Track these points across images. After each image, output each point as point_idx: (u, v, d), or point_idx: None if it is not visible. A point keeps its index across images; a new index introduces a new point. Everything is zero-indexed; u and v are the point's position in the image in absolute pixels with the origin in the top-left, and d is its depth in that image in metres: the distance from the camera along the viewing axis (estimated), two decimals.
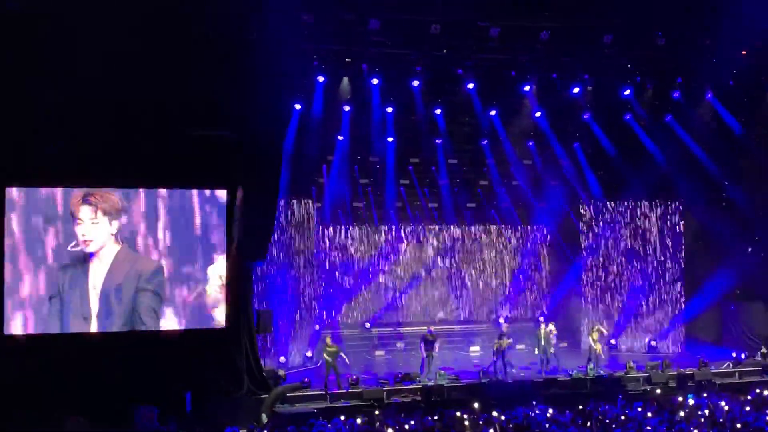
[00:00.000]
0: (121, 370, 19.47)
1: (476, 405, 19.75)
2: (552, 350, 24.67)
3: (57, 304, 19.83)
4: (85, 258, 20.14)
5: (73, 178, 19.91)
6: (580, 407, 19.57)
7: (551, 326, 24.84)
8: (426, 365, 23.42)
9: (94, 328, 20.05)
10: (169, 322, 20.63)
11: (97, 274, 20.24)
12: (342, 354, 22.60)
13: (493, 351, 24.07)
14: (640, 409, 19.14)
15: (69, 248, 19.93)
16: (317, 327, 26.89)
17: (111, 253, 20.35)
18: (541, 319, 28.19)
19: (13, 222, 19.54)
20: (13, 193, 19.57)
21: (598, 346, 24.98)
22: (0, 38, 18.58)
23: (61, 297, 19.87)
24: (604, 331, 26.06)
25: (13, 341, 19.35)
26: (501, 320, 29.29)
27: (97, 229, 20.24)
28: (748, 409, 18.72)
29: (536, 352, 24.83)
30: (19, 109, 18.88)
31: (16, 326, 19.46)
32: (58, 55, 18.80)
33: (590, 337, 25.36)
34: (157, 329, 20.48)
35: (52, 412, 18.07)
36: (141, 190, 20.48)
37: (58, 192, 19.93)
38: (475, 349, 28.16)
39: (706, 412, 18.55)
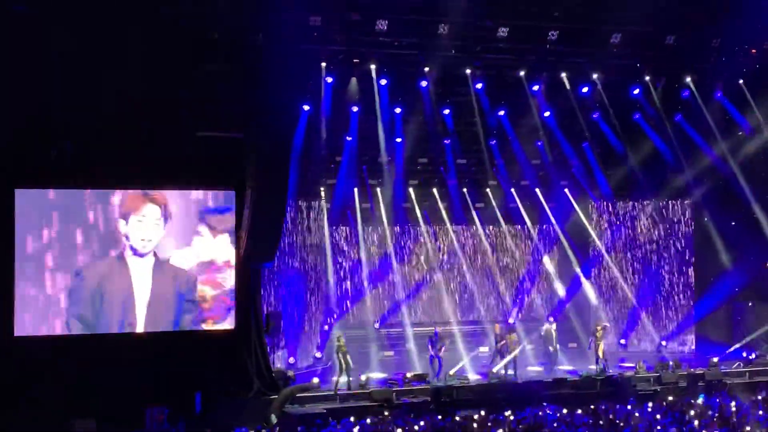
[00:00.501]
0: (131, 372, 19.52)
1: (485, 406, 19.76)
2: (552, 348, 24.75)
3: (89, 308, 19.92)
4: (124, 263, 20.20)
5: (81, 179, 19.96)
6: (590, 407, 19.55)
7: (552, 326, 24.90)
8: (434, 366, 23.49)
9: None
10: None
11: (141, 282, 20.38)
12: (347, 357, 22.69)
13: (497, 348, 24.11)
14: (650, 409, 19.12)
15: (74, 260, 19.94)
16: (326, 327, 26.87)
17: (149, 261, 20.48)
18: (551, 319, 28.18)
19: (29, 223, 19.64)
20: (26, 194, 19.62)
21: (600, 346, 24.96)
22: (8, 40, 18.64)
23: (94, 304, 19.96)
24: (607, 325, 26.07)
25: (23, 343, 19.40)
26: (510, 320, 29.25)
27: (157, 230, 20.43)
28: (759, 410, 18.65)
29: (551, 350, 25.33)
30: (28, 110, 18.93)
31: (26, 328, 19.50)
32: (65, 56, 18.88)
33: (595, 336, 25.39)
34: (168, 330, 20.54)
35: (61, 414, 18.08)
36: (149, 191, 20.53)
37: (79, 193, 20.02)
38: (484, 350, 28.08)
39: (717, 412, 18.52)
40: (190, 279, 20.88)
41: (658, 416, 18.05)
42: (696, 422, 17.14)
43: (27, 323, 19.58)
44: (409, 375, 22.81)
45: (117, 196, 20.23)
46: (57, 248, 19.83)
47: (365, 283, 28.43)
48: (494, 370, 23.88)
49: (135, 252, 20.32)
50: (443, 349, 23.83)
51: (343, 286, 28.22)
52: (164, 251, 20.65)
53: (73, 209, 20.00)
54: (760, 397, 20.22)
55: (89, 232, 20.06)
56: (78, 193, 20.06)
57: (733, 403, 19.66)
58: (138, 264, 20.38)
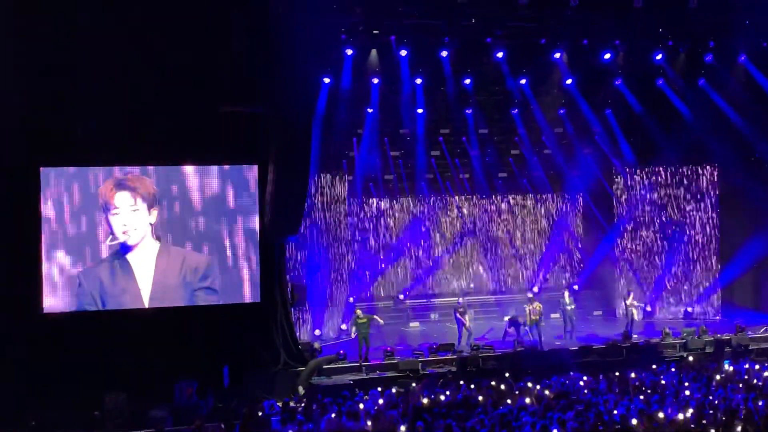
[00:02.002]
0: (160, 346, 19.73)
1: (512, 375, 19.82)
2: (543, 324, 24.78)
3: (97, 301, 20.07)
4: (124, 254, 20.22)
5: (106, 157, 20.08)
6: (617, 374, 19.57)
7: (536, 303, 24.86)
8: (461, 336, 23.64)
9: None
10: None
11: (144, 273, 20.39)
12: (376, 317, 22.82)
13: (525, 321, 24.19)
14: (676, 375, 19.10)
15: (108, 242, 20.11)
16: (351, 299, 26.99)
17: (152, 250, 20.48)
18: (576, 287, 28.17)
19: (53, 202, 19.82)
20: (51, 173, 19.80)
21: (634, 310, 25.15)
22: (32, 18, 18.72)
23: (102, 296, 20.08)
24: (631, 292, 26.13)
25: (52, 318, 19.64)
26: (535, 289, 29.26)
27: (137, 217, 20.38)
28: None
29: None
30: (50, 88, 19.05)
31: (54, 304, 19.74)
32: (88, 33, 18.97)
33: (625, 302, 25.50)
34: (193, 304, 20.72)
35: (92, 389, 18.31)
36: (173, 167, 20.64)
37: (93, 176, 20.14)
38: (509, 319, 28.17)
39: (745, 376, 18.48)
40: (201, 263, 20.90)
41: (686, 383, 18.04)
42: (722, 387, 17.12)
43: (55, 300, 19.77)
44: (435, 345, 22.88)
45: (106, 185, 20.19)
46: (79, 228, 19.98)
47: (389, 256, 28.49)
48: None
49: (123, 244, 20.27)
50: (466, 319, 23.96)
51: (367, 259, 28.27)
52: (169, 236, 20.69)
53: (94, 189, 20.15)
54: None
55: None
56: (99, 172, 20.18)
57: (758, 367, 19.63)
58: (135, 256, 20.40)
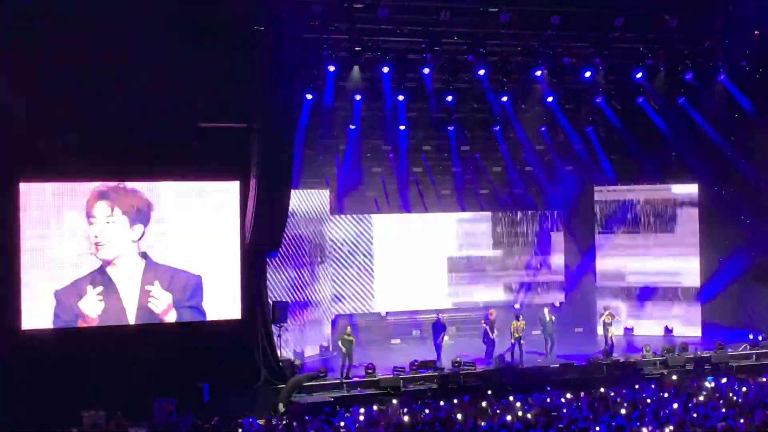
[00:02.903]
0: (139, 363, 19.61)
1: (493, 392, 19.81)
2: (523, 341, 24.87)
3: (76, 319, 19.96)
4: (104, 269, 20.08)
5: (86, 173, 19.97)
6: (597, 391, 19.58)
7: (521, 320, 25.03)
8: (440, 353, 23.71)
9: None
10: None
11: (129, 291, 20.31)
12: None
13: (511, 335, 24.26)
14: (656, 393, 19.13)
15: (78, 254, 19.94)
16: (333, 316, 26.93)
17: (137, 267, 20.38)
18: (557, 304, 28.20)
19: (35, 217, 19.68)
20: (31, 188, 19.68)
21: (610, 330, 25.22)
22: (12, 33, 18.66)
23: (82, 313, 19.98)
24: (611, 312, 26.12)
25: (31, 336, 19.48)
26: (516, 305, 29.27)
27: (112, 229, 20.22)
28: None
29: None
30: (31, 103, 18.95)
31: (33, 321, 19.58)
32: (68, 49, 18.89)
33: (602, 321, 25.58)
34: (174, 321, 20.63)
35: (70, 407, 18.16)
36: (153, 183, 20.57)
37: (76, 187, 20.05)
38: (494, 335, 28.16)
39: (727, 394, 18.52)
40: (189, 282, 20.84)
41: (666, 400, 18.06)
42: (703, 405, 17.15)
43: (34, 317, 19.61)
44: (416, 363, 22.83)
45: (91, 193, 20.10)
46: (59, 244, 19.84)
47: (371, 271, 28.43)
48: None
49: (99, 258, 20.11)
50: (444, 336, 24.13)
51: (349, 274, 28.20)
52: (155, 253, 20.62)
53: (75, 203, 20.01)
54: (766, 380, 20.19)
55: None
56: (79, 187, 20.07)
57: (739, 385, 19.69)
58: (118, 272, 20.28)
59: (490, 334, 24.77)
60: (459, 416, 16.81)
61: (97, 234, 20.08)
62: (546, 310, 25.95)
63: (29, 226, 19.60)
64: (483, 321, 25.53)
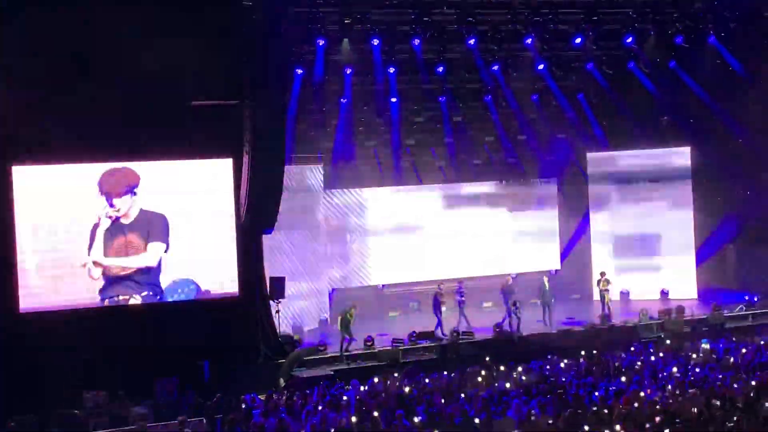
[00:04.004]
0: (139, 343, 19.66)
1: (492, 360, 19.93)
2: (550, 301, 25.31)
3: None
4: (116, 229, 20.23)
5: (77, 154, 19.92)
6: (596, 356, 19.71)
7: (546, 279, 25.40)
8: (440, 323, 23.78)
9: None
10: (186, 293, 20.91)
11: (123, 269, 20.47)
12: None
13: (507, 305, 24.33)
14: (653, 356, 19.26)
15: (73, 235, 19.97)
16: (330, 289, 27.01)
17: (132, 246, 20.55)
18: (554, 271, 28.33)
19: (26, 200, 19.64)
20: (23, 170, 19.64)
21: (607, 296, 25.35)
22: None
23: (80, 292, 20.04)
24: (609, 281, 26.20)
25: (29, 318, 19.50)
26: (511, 274, 29.33)
27: (104, 209, 20.29)
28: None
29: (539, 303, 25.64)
30: (20, 86, 18.84)
31: (31, 304, 19.61)
32: (58, 26, 18.75)
33: (599, 287, 25.66)
34: (173, 300, 20.68)
35: (70, 388, 18.22)
36: (147, 162, 20.55)
37: (77, 167, 20.09)
38: (487, 305, 28.30)
39: (724, 356, 18.65)
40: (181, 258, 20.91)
41: (663, 363, 18.20)
42: (701, 367, 17.29)
43: (32, 299, 19.63)
44: (414, 334, 22.92)
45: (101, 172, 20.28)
46: (54, 225, 19.86)
47: (367, 244, 28.48)
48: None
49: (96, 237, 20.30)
50: (444, 306, 24.22)
51: (345, 248, 28.24)
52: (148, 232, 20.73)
53: (67, 185, 20.02)
54: (762, 342, 20.33)
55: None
56: (71, 168, 20.09)
57: (735, 347, 19.83)
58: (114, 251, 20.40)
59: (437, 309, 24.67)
60: (459, 385, 16.96)
61: (91, 213, 20.07)
62: (545, 279, 26.04)
63: (22, 209, 19.56)
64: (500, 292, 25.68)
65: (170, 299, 20.77)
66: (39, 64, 18.91)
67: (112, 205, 20.24)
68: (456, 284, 25.78)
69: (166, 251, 20.75)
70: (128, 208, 20.40)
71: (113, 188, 20.29)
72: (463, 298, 25.16)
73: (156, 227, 20.65)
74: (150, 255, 20.65)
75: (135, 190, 20.48)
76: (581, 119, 29.35)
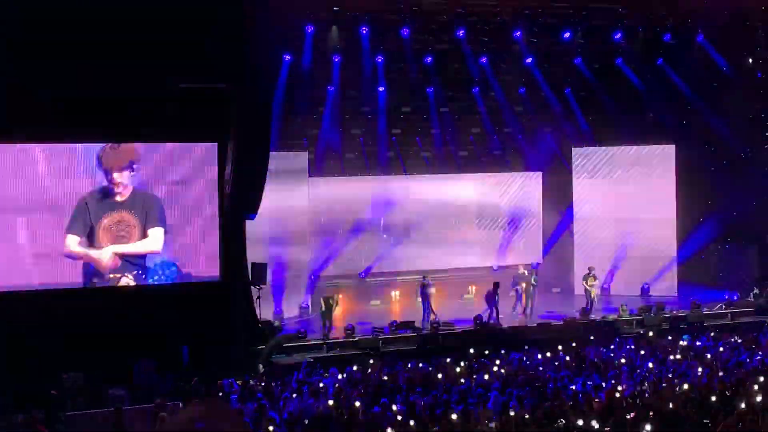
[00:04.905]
0: (119, 325, 19.56)
1: (471, 351, 19.98)
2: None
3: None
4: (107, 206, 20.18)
5: (61, 133, 19.79)
6: (574, 350, 19.78)
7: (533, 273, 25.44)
8: (426, 312, 23.91)
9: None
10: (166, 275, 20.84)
11: (105, 250, 20.37)
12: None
13: (487, 296, 24.36)
14: (632, 352, 19.35)
15: (98, 193, 20.04)
16: (311, 277, 26.98)
17: (116, 229, 20.50)
18: (527, 267, 28.41)
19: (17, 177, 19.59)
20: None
21: (593, 292, 25.39)
22: None
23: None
24: (596, 277, 26.22)
25: (7, 298, 19.39)
26: (494, 266, 29.43)
27: (128, 176, 20.39)
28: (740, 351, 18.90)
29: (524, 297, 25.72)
30: (9, 68, 18.71)
31: (9, 282, 19.52)
32: (45, 6, 18.63)
33: (585, 283, 25.65)
34: (153, 284, 20.61)
35: (48, 369, 18.14)
36: (132, 144, 20.46)
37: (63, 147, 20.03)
38: (468, 297, 28.38)
39: (699, 353, 18.75)
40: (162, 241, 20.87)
41: (641, 359, 18.28)
42: (679, 364, 17.38)
43: (8, 278, 19.51)
44: (395, 323, 22.95)
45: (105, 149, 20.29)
46: (38, 204, 19.75)
47: (350, 233, 28.45)
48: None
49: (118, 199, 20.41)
50: (431, 295, 24.26)
51: (328, 236, 28.20)
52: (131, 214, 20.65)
53: (53, 165, 19.91)
54: (740, 340, 20.47)
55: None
56: (57, 148, 19.96)
57: (715, 344, 19.94)
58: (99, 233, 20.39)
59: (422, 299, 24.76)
60: (438, 376, 16.98)
61: (77, 192, 19.98)
62: (533, 272, 26.11)
63: (8, 188, 19.44)
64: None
65: (151, 281, 20.71)
66: (26, 47, 18.77)
67: (111, 180, 20.18)
68: (421, 278, 25.78)
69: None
70: (126, 184, 20.33)
71: (114, 162, 20.24)
72: (427, 291, 25.05)
73: (153, 210, 20.64)
74: (152, 240, 20.66)
75: (134, 166, 20.43)
76: (568, 113, 29.41)
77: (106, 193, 20.22)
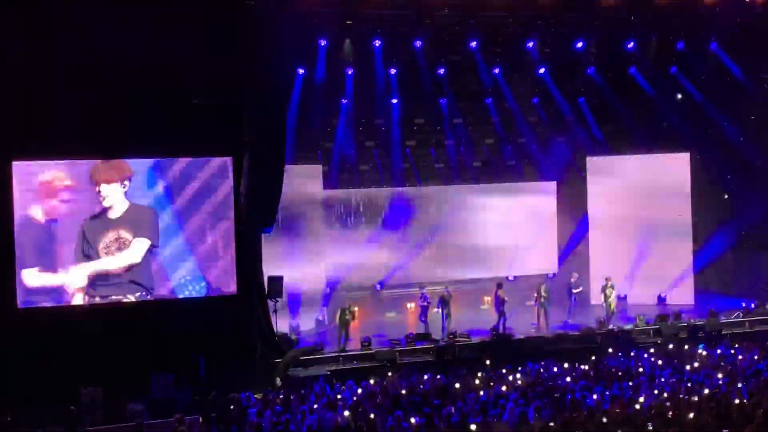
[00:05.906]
0: (136, 339, 19.67)
1: (488, 363, 19.96)
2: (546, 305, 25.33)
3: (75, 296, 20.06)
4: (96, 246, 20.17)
5: (76, 151, 19.90)
6: (592, 359, 19.73)
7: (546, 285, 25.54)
8: (445, 324, 24.03)
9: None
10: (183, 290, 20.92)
11: (121, 266, 20.48)
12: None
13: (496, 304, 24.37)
14: (650, 361, 19.28)
15: (72, 232, 20.01)
16: (328, 290, 27.00)
17: (128, 243, 20.62)
18: (549, 275, 28.31)
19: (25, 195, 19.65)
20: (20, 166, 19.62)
21: (612, 303, 25.23)
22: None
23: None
24: (614, 287, 26.10)
25: (27, 315, 19.51)
26: (509, 277, 29.36)
27: (116, 190, 20.36)
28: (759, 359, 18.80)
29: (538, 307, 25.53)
30: (20, 83, 18.86)
31: (29, 299, 19.63)
32: (58, 23, 18.81)
33: (603, 294, 25.51)
34: (170, 297, 20.68)
35: (67, 384, 18.21)
36: (147, 160, 20.56)
37: (71, 164, 20.06)
38: (485, 307, 28.33)
39: (717, 362, 18.67)
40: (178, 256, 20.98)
41: (660, 369, 18.20)
42: (696, 373, 17.31)
43: (30, 295, 19.64)
44: (412, 335, 22.94)
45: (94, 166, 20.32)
46: (53, 221, 19.89)
47: (365, 245, 28.45)
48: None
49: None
50: (432, 311, 24.56)
51: (344, 248, 28.20)
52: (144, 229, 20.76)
53: (67, 181, 20.04)
54: (759, 348, 20.35)
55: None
56: (71, 165, 20.08)
57: (733, 352, 19.84)
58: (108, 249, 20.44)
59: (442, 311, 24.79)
60: (457, 386, 16.96)
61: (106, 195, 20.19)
62: (543, 285, 26.05)
63: (22, 205, 19.57)
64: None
65: (181, 296, 20.86)
66: (38, 60, 18.93)
67: (98, 193, 20.18)
68: (420, 290, 25.83)
69: (155, 247, 20.71)
70: (115, 199, 20.32)
71: (102, 176, 20.23)
72: (425, 304, 25.05)
73: (143, 222, 20.62)
74: (133, 251, 20.60)
75: (125, 182, 20.42)
76: (581, 123, 29.37)
77: (100, 212, 20.28)
